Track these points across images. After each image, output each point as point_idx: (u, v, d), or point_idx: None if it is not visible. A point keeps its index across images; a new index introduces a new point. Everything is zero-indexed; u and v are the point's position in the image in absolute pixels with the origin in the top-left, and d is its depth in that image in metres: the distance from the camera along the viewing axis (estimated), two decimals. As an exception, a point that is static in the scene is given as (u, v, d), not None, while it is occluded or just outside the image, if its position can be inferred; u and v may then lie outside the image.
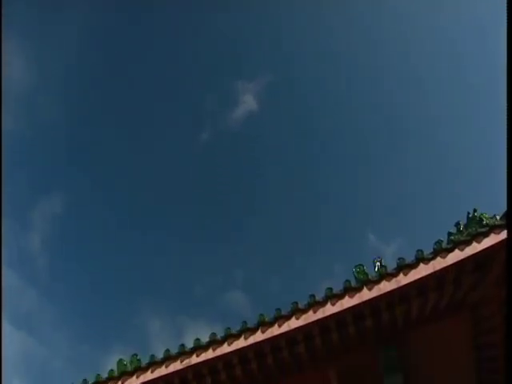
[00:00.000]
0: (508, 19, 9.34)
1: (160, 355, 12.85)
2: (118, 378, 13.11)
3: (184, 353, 12.54)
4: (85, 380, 13.53)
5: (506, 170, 9.34)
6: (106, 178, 43.66)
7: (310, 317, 11.64)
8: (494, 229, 11.05)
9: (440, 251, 11.27)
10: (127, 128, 42.61)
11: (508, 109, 9.38)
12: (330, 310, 11.55)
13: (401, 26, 37.47)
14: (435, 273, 11.12)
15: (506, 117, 9.48)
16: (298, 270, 41.24)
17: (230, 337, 12.19)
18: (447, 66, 36.70)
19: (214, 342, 12.28)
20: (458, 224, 11.88)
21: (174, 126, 42.33)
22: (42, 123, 42.55)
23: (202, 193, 42.37)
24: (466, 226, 11.69)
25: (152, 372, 12.76)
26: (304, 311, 11.76)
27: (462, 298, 11.65)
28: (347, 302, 11.49)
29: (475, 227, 11.33)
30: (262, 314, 12.06)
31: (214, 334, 12.37)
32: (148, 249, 43.69)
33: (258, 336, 11.93)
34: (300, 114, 40.61)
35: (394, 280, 11.36)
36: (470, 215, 11.81)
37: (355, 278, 11.75)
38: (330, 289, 11.73)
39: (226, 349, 12.11)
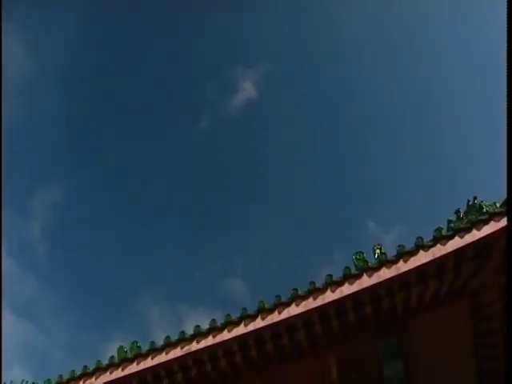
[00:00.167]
0: (508, 19, 9.30)
1: (160, 342, 12.89)
2: (119, 365, 13.15)
3: (184, 340, 12.57)
4: (85, 367, 13.57)
5: (505, 158, 9.31)
6: (106, 166, 43.71)
7: (310, 304, 11.65)
8: (494, 216, 11.04)
9: (440, 238, 11.27)
10: (127, 116, 42.67)
11: (508, 100, 9.35)
12: (329, 296, 11.56)
13: (403, 17, 37.38)
14: (435, 260, 11.12)
15: (506, 105, 9.45)
16: (297, 257, 41.41)
17: (230, 324, 12.21)
18: (447, 52, 36.63)
19: (214, 329, 12.31)
20: (458, 211, 11.85)
21: (173, 114, 42.34)
22: (41, 112, 42.58)
23: (202, 180, 42.46)
24: (466, 214, 11.66)
25: (152, 359, 12.80)
26: (304, 298, 11.77)
27: (462, 285, 11.65)
28: (347, 289, 11.50)
29: (475, 215, 11.32)
30: (261, 301, 12.09)
31: (214, 321, 12.40)
32: (148, 236, 43.81)
33: (258, 323, 11.95)
34: (299, 101, 40.60)
35: (393, 267, 11.36)
36: (470, 203, 11.79)
37: (355, 265, 11.75)
38: (330, 276, 11.74)
39: (226, 335, 12.13)
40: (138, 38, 41.00)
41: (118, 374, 13.04)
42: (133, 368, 12.94)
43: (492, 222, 11.01)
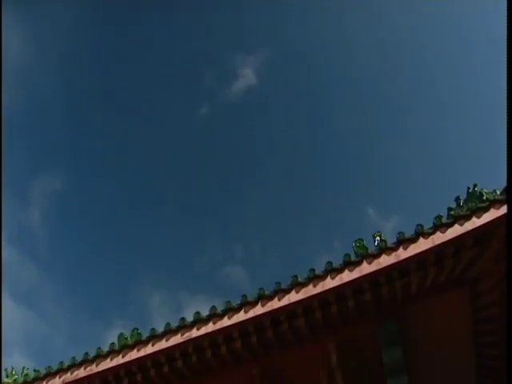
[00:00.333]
0: (508, 19, 9.30)
1: (160, 329, 12.95)
2: (119, 352, 13.22)
3: (184, 326, 12.63)
4: (86, 353, 13.63)
5: (505, 146, 9.32)
6: (106, 154, 43.67)
7: (310, 290, 11.69)
8: (493, 204, 11.04)
9: (440, 226, 11.29)
10: (126, 103, 42.55)
11: (508, 88, 9.35)
12: (329, 283, 11.60)
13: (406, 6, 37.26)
14: (435, 247, 11.15)
15: (506, 93, 9.45)
16: (297, 244, 41.40)
17: (230, 310, 12.27)
18: (447, 38, 36.55)
19: (215, 316, 12.37)
20: (457, 199, 11.85)
21: (173, 101, 42.24)
22: (40, 100, 42.49)
23: (202, 167, 42.40)
24: (465, 201, 11.66)
25: (153, 345, 12.87)
26: (304, 285, 11.81)
27: (462, 272, 11.66)
28: (347, 276, 11.54)
29: (475, 202, 11.32)
30: (261, 288, 12.13)
31: (214, 308, 12.45)
32: (148, 224, 43.81)
33: (258, 309, 12.00)
34: (299, 87, 40.54)
35: (393, 254, 11.40)
36: (470, 190, 11.78)
37: (355, 252, 11.78)
38: (330, 263, 11.77)
39: (226, 322, 12.19)
40: (137, 26, 40.90)
41: (119, 360, 13.13)
42: (133, 355, 13.01)
43: (492, 210, 11.02)
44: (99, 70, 41.99)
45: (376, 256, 11.51)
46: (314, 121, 40.29)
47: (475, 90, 36.15)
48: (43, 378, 14.01)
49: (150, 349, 12.85)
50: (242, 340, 12.43)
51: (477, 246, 11.24)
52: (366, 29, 38.41)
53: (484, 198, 11.26)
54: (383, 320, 12.24)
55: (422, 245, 11.23)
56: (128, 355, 13.05)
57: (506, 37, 9.32)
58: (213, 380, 13.30)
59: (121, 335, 13.43)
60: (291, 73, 40.40)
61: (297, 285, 11.87)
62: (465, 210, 11.32)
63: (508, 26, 9.28)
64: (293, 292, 11.86)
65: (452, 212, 11.46)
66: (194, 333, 12.45)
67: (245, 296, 12.25)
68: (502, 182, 10.99)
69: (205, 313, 12.55)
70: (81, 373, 13.46)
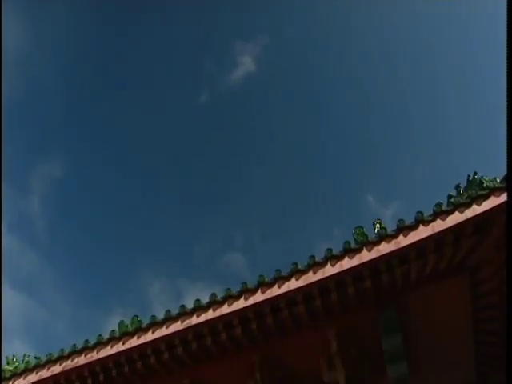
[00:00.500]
0: (508, 19, 9.26)
1: (161, 317, 12.98)
2: (119, 339, 13.26)
3: (184, 313, 12.66)
4: (86, 340, 13.67)
5: (506, 133, 9.30)
6: (106, 140, 43.66)
7: (310, 278, 11.71)
8: (494, 191, 11.04)
9: (440, 213, 11.29)
10: (126, 90, 42.51)
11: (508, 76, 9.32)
12: (329, 271, 11.61)
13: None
14: (435, 235, 11.15)
15: (506, 80, 9.42)
16: (297, 232, 41.40)
17: (230, 297, 12.29)
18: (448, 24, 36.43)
19: (215, 303, 12.39)
20: (458, 186, 11.84)
21: (173, 88, 42.18)
22: (39, 86, 42.44)
23: (202, 154, 42.36)
24: (466, 189, 11.65)
25: (153, 332, 12.90)
26: (304, 272, 11.83)
27: (462, 260, 11.65)
28: (347, 264, 11.54)
29: (475, 190, 11.32)
30: (261, 275, 12.14)
31: (214, 295, 12.47)
32: (148, 211, 43.81)
33: (258, 297, 12.02)
34: (298, 74, 40.43)
35: (393, 241, 11.40)
36: (470, 178, 11.77)
37: (355, 239, 11.78)
38: (330, 250, 11.78)
39: (226, 309, 12.22)
40: (137, 13, 40.74)
41: (119, 347, 13.17)
42: (133, 342, 13.05)
43: (492, 198, 11.02)
44: (98, 57, 41.90)
45: (376, 243, 11.51)
46: (314, 108, 40.27)
47: (476, 77, 36.11)
48: (44, 365, 14.05)
49: (150, 336, 12.89)
50: (241, 327, 12.45)
51: (477, 233, 11.24)
52: (368, 17, 38.28)
53: (484, 185, 11.26)
54: (383, 307, 12.25)
55: (422, 232, 11.23)
56: (128, 342, 13.09)
57: (506, 36, 9.29)
58: (213, 367, 13.33)
59: (121, 322, 13.48)
60: (290, 60, 40.34)
61: (297, 272, 11.88)
62: (465, 197, 11.31)
63: (508, 26, 9.25)
64: (293, 279, 11.87)
65: (452, 200, 11.46)
66: (194, 320, 12.48)
67: (245, 283, 12.27)
68: (502, 170, 10.99)
69: (205, 300, 12.57)
70: (81, 360, 13.51)
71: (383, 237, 11.50)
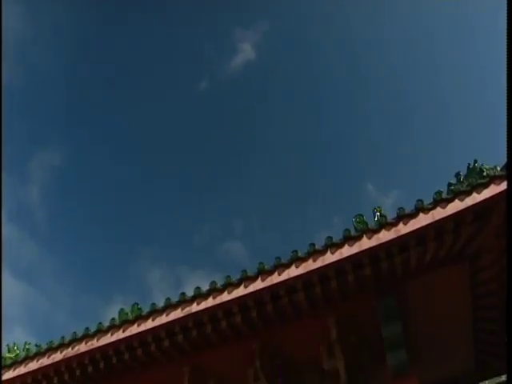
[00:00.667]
0: (508, 19, 9.23)
1: (161, 305, 13.00)
2: (120, 327, 13.30)
3: (184, 301, 12.69)
4: (87, 328, 13.71)
5: (506, 121, 9.28)
6: (105, 129, 43.62)
7: (310, 265, 11.73)
8: (494, 180, 11.05)
9: (440, 201, 11.30)
10: (126, 77, 42.42)
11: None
12: (329, 258, 11.63)
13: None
14: (435, 223, 11.16)
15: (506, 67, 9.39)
16: (297, 220, 41.40)
17: (230, 285, 12.32)
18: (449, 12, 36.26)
19: (215, 291, 12.41)
20: (458, 175, 11.84)
21: (173, 75, 42.07)
22: (39, 74, 42.36)
23: (201, 141, 42.32)
24: (466, 177, 11.65)
25: (153, 320, 12.94)
26: (304, 260, 11.85)
27: (461, 248, 11.66)
28: (347, 251, 11.56)
29: (475, 178, 11.33)
30: (261, 263, 12.16)
31: (214, 283, 12.49)
32: (147, 199, 43.81)
33: (258, 284, 12.04)
34: (299, 61, 40.33)
35: (393, 229, 11.42)
36: (471, 166, 11.78)
37: (355, 227, 11.79)
38: (330, 238, 11.79)
39: (226, 297, 12.25)
40: (137, 1, 40.65)
41: (119, 335, 13.20)
42: (134, 330, 13.08)
43: (492, 186, 11.03)
44: (99, 42, 41.83)
45: (376, 231, 11.53)
46: (313, 95, 40.18)
47: (475, 65, 36.01)
48: (45, 353, 14.10)
49: (150, 324, 12.93)
50: (241, 315, 12.47)
51: (477, 221, 11.25)
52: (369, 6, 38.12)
53: (484, 173, 11.27)
54: (383, 295, 12.27)
55: (422, 220, 11.24)
56: (128, 330, 13.13)
57: (505, 33, 9.27)
58: (213, 355, 13.36)
59: (121, 310, 13.52)
60: (290, 47, 40.24)
61: (297, 260, 11.90)
62: (465, 185, 11.32)
63: (508, 26, 9.22)
64: (293, 267, 11.90)
65: (452, 188, 11.47)
66: (194, 308, 12.51)
67: (245, 271, 12.29)
68: (503, 158, 10.99)
69: (205, 288, 12.60)
70: (82, 347, 13.56)
71: (383, 225, 11.51)
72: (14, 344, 15.29)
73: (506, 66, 9.06)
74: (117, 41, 41.74)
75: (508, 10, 9.26)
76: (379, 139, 39.97)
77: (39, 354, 14.14)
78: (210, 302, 12.37)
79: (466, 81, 36.79)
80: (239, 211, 43.95)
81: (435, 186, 11.73)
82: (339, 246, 11.68)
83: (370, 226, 11.64)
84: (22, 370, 14.16)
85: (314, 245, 11.87)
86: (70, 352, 13.68)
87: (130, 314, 13.34)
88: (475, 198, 11.05)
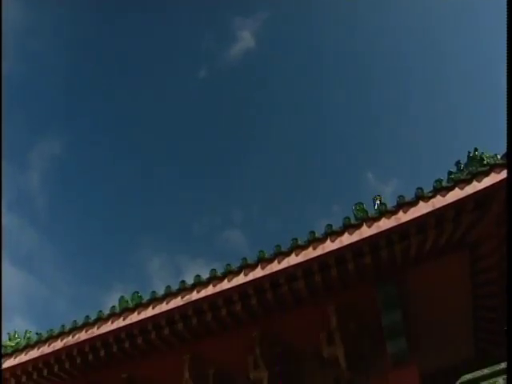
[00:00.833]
0: (508, 19, 9.19)
1: (161, 293, 13.02)
2: (120, 315, 13.33)
3: (185, 289, 12.71)
4: (87, 316, 13.75)
5: (506, 110, 9.25)
6: (105, 117, 43.59)
7: (310, 253, 11.73)
8: (494, 168, 11.04)
9: (440, 190, 11.28)
10: (126, 66, 42.33)
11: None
12: (329, 246, 11.64)
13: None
14: (435, 211, 11.15)
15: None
16: (297, 208, 41.39)
17: (230, 273, 12.34)
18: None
19: (215, 279, 12.43)
20: (458, 163, 11.82)
21: (172, 63, 42.03)
22: (40, 64, 42.26)
23: (201, 129, 42.30)
24: (466, 165, 11.63)
25: (153, 308, 12.97)
26: (304, 248, 11.85)
27: (462, 236, 11.65)
28: (347, 239, 11.56)
29: (476, 166, 11.31)
30: (261, 251, 12.16)
31: (214, 271, 12.50)
32: (147, 188, 43.81)
33: (258, 272, 12.06)
34: (298, 49, 40.23)
35: (393, 217, 11.41)
36: (471, 154, 11.75)
37: (355, 215, 11.78)
38: (330, 226, 11.79)
39: (226, 285, 12.27)
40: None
41: (120, 323, 13.24)
42: (134, 317, 13.12)
43: (492, 174, 11.01)
44: (99, 32, 41.71)
45: (376, 219, 11.52)
46: (313, 84, 40.07)
47: (476, 51, 35.91)
48: (45, 341, 14.15)
49: (150, 311, 12.97)
50: (241, 303, 12.49)
51: (477, 209, 11.23)
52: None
53: (485, 162, 11.24)
54: (383, 283, 12.27)
55: (422, 208, 11.23)
56: (129, 318, 13.17)
57: (506, 36, 9.23)
58: (213, 342, 13.39)
59: (122, 298, 13.55)
60: (290, 35, 40.11)
61: (297, 248, 11.91)
62: (465, 174, 11.30)
63: (508, 26, 9.19)
64: (293, 255, 11.91)
65: (452, 176, 11.44)
66: (194, 296, 12.53)
67: (245, 259, 12.30)
68: (503, 147, 10.93)
69: (205, 276, 12.61)
70: (82, 336, 13.61)
71: (383, 213, 11.51)
72: (15, 332, 15.33)
73: (505, 66, 9.05)
74: (116, 29, 41.67)
75: (508, 9, 9.24)
76: (379, 127, 39.91)
77: (40, 342, 14.19)
78: (210, 290, 12.39)
79: (467, 69, 36.65)
80: (239, 200, 43.93)
81: (435, 174, 11.74)
82: (339, 234, 11.68)
83: (370, 214, 11.63)
84: (23, 357, 14.22)
85: (313, 233, 11.88)
86: (70, 340, 13.73)
87: (130, 301, 13.37)
88: (475, 186, 11.03)
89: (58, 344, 13.85)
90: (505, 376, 10.03)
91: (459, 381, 11.01)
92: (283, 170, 41.15)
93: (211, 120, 41.77)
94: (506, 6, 9.26)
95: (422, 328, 12.90)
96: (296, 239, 11.94)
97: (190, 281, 12.74)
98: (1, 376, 14.02)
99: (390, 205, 11.60)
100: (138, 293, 13.43)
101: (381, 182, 39.18)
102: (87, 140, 44.23)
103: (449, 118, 36.70)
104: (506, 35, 9.10)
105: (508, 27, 9.03)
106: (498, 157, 11.23)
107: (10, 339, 15.09)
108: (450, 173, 11.67)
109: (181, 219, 44.25)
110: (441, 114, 37.87)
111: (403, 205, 11.42)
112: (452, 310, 12.78)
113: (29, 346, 14.32)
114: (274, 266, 11.93)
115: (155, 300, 12.99)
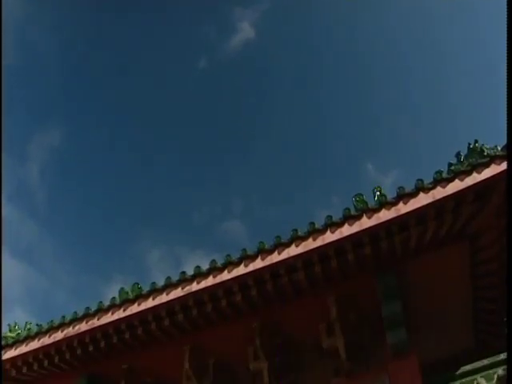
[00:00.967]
0: (508, 19, 9.15)
1: (161, 284, 13.03)
2: (120, 306, 13.33)
3: (185, 280, 12.71)
4: (87, 308, 13.75)
5: (506, 101, 9.25)
6: (104, 108, 43.55)
7: (310, 244, 11.72)
8: (494, 159, 11.02)
9: (440, 181, 11.27)
10: (125, 57, 42.34)
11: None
12: (329, 237, 11.61)
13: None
14: (435, 202, 11.13)
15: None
16: (296, 199, 41.42)
17: (229, 264, 12.32)
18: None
19: (215, 269, 12.43)
20: (458, 154, 11.81)
21: (172, 54, 42.00)
22: (38, 55, 42.17)
23: (201, 120, 42.30)
24: (466, 157, 11.61)
25: (153, 299, 12.96)
26: (303, 239, 11.84)
27: (462, 227, 11.66)
28: (347, 230, 11.55)
29: (476, 158, 11.30)
30: (261, 242, 12.15)
31: (214, 262, 12.51)
32: (146, 179, 43.78)
33: (258, 263, 12.05)
34: (298, 39, 40.18)
35: (393, 209, 11.39)
36: (471, 146, 11.73)
37: (355, 206, 11.78)
38: (330, 217, 11.77)
39: (226, 276, 12.25)
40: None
41: (120, 314, 13.24)
42: (134, 309, 13.11)
43: (492, 165, 11.00)
44: (97, 23, 41.61)
45: (376, 210, 11.51)
46: (314, 75, 40.01)
47: (476, 43, 35.83)
48: (46, 332, 14.15)
49: (150, 302, 12.95)
50: (241, 294, 12.48)
51: (477, 201, 11.23)
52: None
53: (485, 153, 11.23)
54: (383, 274, 12.27)
55: (423, 199, 11.22)
56: (129, 309, 13.16)
57: (506, 35, 9.21)
58: (213, 333, 13.40)
59: (122, 289, 13.56)
60: (290, 26, 40.02)
61: (296, 238, 11.90)
62: (465, 165, 11.28)
63: (508, 25, 9.16)
64: (292, 246, 11.89)
65: (452, 167, 11.43)
66: (194, 286, 12.53)
67: (244, 250, 12.29)
68: (503, 138, 10.92)
69: (205, 267, 12.62)
70: (83, 326, 13.60)
71: (383, 204, 11.49)
72: (16, 324, 15.36)
73: (506, 65, 9.05)
74: (115, 21, 41.53)
75: (508, 9, 9.22)
76: (379, 118, 39.86)
77: (40, 333, 14.19)
78: (210, 281, 12.38)
79: (467, 61, 36.61)
80: (239, 190, 43.95)
81: (435, 165, 11.74)
82: (339, 225, 11.67)
83: (370, 206, 11.62)
84: (23, 348, 14.22)
85: (313, 224, 11.86)
86: (70, 331, 13.72)
87: (130, 293, 13.37)
88: (475, 177, 11.02)
89: (59, 335, 13.86)
90: (504, 367, 10.11)
91: (459, 371, 11.07)
92: (283, 160, 41.20)
93: (211, 110, 41.75)
94: (506, 6, 9.30)
95: (422, 319, 12.92)
96: (296, 230, 11.93)
97: (190, 272, 12.74)
98: (1, 367, 14.07)
99: (390, 196, 11.58)
100: (138, 284, 13.44)
101: (381, 173, 39.26)
102: (86, 131, 44.18)
103: (449, 110, 36.69)
104: (505, 35, 9.13)
105: (508, 27, 9.03)
106: (498, 148, 11.20)
107: (10, 330, 15.11)
108: (450, 164, 11.66)
109: (180, 208, 44.33)
110: (441, 105, 37.84)
111: (403, 196, 11.41)
112: (452, 300, 12.80)
113: (29, 337, 14.31)
114: (274, 257, 11.92)
115: (155, 291, 12.98)
